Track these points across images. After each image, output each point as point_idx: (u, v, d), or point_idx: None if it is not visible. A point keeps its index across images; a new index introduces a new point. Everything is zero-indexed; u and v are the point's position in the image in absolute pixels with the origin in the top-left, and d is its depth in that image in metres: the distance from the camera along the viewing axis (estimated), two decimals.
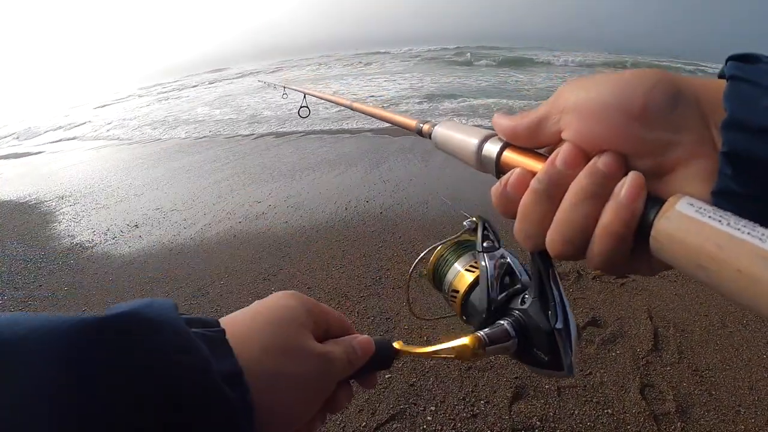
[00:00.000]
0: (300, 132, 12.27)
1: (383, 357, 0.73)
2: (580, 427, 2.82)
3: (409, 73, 25.11)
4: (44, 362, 0.37)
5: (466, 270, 0.84)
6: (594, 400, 2.99)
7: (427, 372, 3.28)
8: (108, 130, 16.61)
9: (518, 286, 0.75)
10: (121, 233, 6.33)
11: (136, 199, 7.87)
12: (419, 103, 15.62)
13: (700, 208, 0.40)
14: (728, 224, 0.38)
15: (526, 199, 0.54)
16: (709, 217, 0.39)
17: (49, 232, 6.60)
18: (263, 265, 5.02)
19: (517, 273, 0.77)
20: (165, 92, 28.98)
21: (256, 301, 0.66)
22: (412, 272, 1.03)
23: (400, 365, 3.34)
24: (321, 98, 2.46)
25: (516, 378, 3.15)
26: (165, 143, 13.19)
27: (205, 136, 13.50)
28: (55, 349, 0.38)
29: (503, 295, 0.75)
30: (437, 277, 0.90)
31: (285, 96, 4.63)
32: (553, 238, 0.52)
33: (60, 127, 19.00)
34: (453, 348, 0.70)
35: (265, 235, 5.83)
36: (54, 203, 8.05)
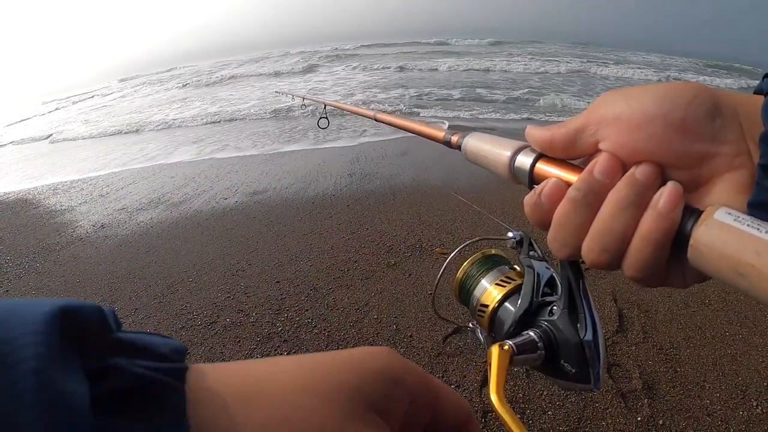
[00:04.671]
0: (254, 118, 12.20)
1: None
2: (549, 406, 2.86)
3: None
4: None
5: (496, 285, 0.83)
6: None
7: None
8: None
9: (555, 296, 0.74)
10: (87, 234, 6.26)
11: (101, 200, 7.79)
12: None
13: (738, 217, 0.41)
14: (767, 232, 0.38)
15: (562, 208, 0.53)
16: (748, 225, 0.39)
17: (14, 236, 6.49)
18: (232, 261, 5.01)
19: (559, 284, 0.75)
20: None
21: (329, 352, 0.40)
22: (435, 290, 1.04)
23: None
24: (342, 109, 2.37)
25: (485, 362, 3.16)
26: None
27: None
28: None
29: (541, 300, 0.74)
30: (464, 291, 0.88)
31: (304, 107, 4.59)
32: (590, 247, 0.51)
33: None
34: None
35: (233, 231, 5.82)
36: (18, 207, 7.94)
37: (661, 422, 2.77)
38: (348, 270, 4.56)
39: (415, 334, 3.55)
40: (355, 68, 25.71)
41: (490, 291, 0.82)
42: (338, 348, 3.49)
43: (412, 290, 4.14)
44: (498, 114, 12.73)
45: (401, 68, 23.52)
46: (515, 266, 0.88)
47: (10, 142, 15.97)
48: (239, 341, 3.70)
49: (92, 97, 28.16)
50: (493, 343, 0.70)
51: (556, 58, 26.53)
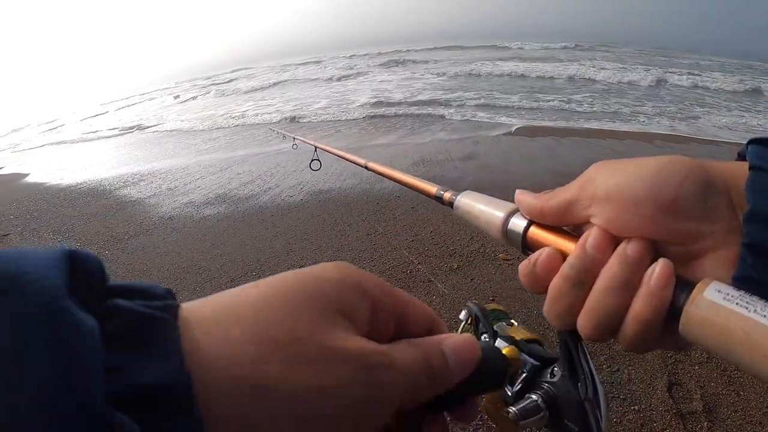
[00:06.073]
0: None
1: (492, 371, 0.52)
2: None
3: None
4: None
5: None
6: (621, 397, 3.00)
7: None
8: None
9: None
10: (155, 226, 6.46)
11: (169, 193, 8.02)
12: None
13: (728, 294, 0.41)
14: (755, 311, 0.39)
15: (557, 282, 0.53)
16: (737, 304, 0.40)
17: (85, 223, 6.75)
18: (295, 258, 5.08)
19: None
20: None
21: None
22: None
23: None
24: (333, 153, 2.29)
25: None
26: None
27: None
28: None
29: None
30: None
31: (295, 147, 4.58)
32: (585, 323, 0.52)
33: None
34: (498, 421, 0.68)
35: (297, 228, 5.90)
36: (89, 197, 8.23)
37: None
38: (410, 272, 4.57)
39: None
40: (422, 70, 25.75)
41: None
42: None
43: (474, 295, 4.11)
44: (548, 121, 12.58)
45: (469, 73, 23.35)
46: (513, 321, 0.88)
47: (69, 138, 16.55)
48: None
49: (153, 98, 28.96)
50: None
51: (635, 66, 25.76)
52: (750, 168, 0.48)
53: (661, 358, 3.31)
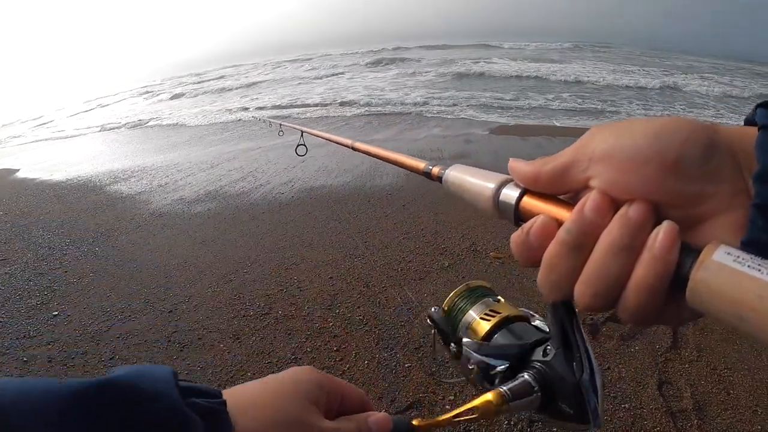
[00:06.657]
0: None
1: None
2: None
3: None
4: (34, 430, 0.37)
5: (482, 318, 0.81)
6: (611, 395, 3.01)
7: (447, 362, 3.29)
8: None
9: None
10: (145, 222, 6.43)
11: (160, 190, 7.98)
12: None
13: (738, 257, 0.38)
14: None
15: (553, 249, 0.51)
16: (748, 266, 0.37)
17: (75, 220, 6.70)
18: (286, 255, 5.07)
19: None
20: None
21: (269, 375, 0.68)
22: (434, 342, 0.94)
23: (419, 355, 3.39)
24: (320, 137, 2.34)
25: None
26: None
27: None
28: (44, 417, 0.39)
29: (533, 341, 0.73)
30: (450, 324, 0.86)
31: (281, 134, 4.52)
32: (582, 291, 0.49)
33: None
34: (475, 407, 0.65)
35: (288, 225, 5.90)
36: (80, 193, 8.18)
37: None
38: (402, 270, 4.58)
39: None
40: (413, 68, 25.85)
41: (476, 324, 0.81)
42: (386, 349, 3.61)
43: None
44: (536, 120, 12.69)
45: (460, 73, 23.44)
46: (499, 297, 0.86)
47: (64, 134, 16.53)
48: (290, 334, 3.75)
49: (140, 95, 29.21)
50: (481, 382, 0.73)
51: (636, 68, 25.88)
52: (759, 128, 0.46)
53: (652, 356, 3.33)
